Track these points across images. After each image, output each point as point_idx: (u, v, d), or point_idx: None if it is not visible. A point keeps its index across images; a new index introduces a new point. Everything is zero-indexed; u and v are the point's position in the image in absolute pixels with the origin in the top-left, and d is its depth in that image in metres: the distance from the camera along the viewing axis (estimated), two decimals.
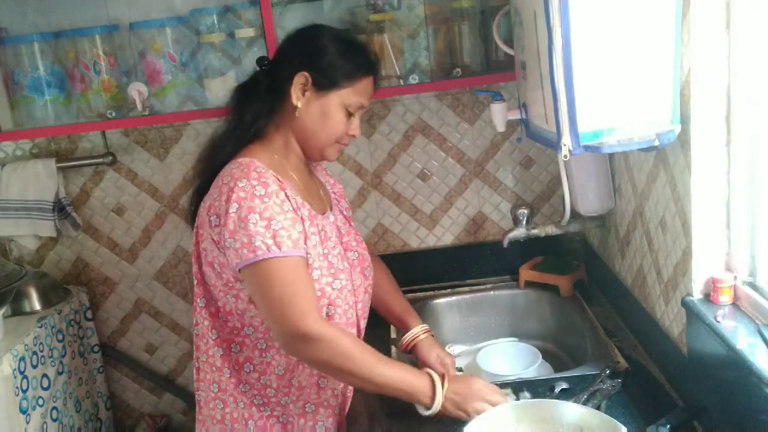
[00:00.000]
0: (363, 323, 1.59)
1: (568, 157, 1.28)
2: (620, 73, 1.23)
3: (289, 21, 2.00)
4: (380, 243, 2.32)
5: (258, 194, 1.35)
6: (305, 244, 1.40)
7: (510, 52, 1.77)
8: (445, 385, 1.40)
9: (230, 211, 1.35)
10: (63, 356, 2.14)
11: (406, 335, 1.70)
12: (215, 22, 2.02)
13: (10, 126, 2.11)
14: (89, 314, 2.34)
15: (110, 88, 2.07)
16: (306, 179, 1.56)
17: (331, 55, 1.45)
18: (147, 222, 2.34)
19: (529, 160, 2.26)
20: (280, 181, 1.41)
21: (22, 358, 1.93)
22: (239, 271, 1.38)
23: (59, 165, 2.21)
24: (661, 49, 1.23)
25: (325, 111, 1.46)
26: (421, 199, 2.30)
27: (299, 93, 1.45)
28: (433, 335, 1.73)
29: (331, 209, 1.59)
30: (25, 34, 2.07)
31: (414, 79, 2.03)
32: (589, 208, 1.88)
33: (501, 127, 1.78)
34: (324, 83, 1.44)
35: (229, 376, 1.49)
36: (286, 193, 1.40)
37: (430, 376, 1.41)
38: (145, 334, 2.44)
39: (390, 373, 1.39)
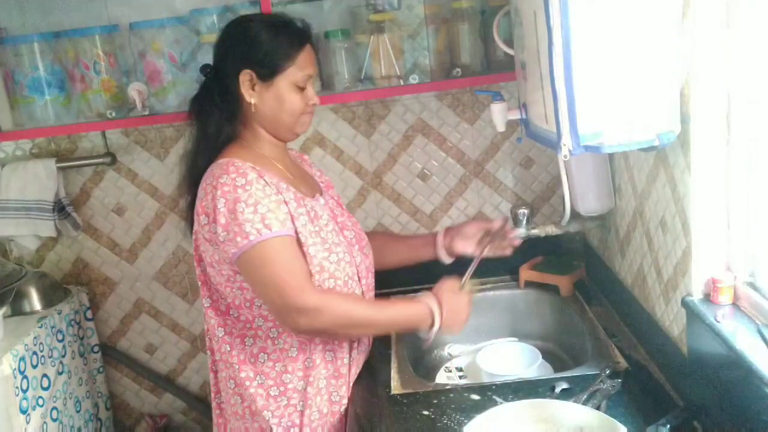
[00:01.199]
0: (370, 297, 1.68)
1: (568, 157, 1.28)
2: (620, 73, 1.23)
3: None
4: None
5: (239, 185, 1.43)
6: (293, 223, 1.47)
7: (510, 52, 1.77)
8: (444, 308, 1.55)
9: (218, 206, 1.43)
10: (63, 356, 2.14)
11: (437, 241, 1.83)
12: (215, 22, 2.02)
13: (10, 126, 2.11)
14: (89, 314, 2.34)
15: (110, 88, 2.07)
16: (290, 166, 1.64)
17: (263, 44, 1.51)
18: (147, 222, 2.34)
19: (529, 160, 2.26)
20: (257, 170, 1.48)
21: (22, 358, 1.93)
22: (235, 261, 1.45)
23: (59, 165, 2.21)
24: (661, 49, 1.23)
25: (279, 96, 1.53)
26: (421, 199, 2.30)
27: (249, 90, 1.52)
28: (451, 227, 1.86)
29: (321, 194, 1.67)
30: (25, 34, 2.07)
31: (414, 79, 2.03)
32: (589, 208, 1.88)
33: (501, 127, 1.78)
34: (267, 73, 1.51)
35: (238, 369, 1.55)
36: (265, 180, 1.47)
37: (428, 305, 1.54)
38: (145, 334, 2.44)
39: (389, 313, 1.56)
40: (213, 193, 1.44)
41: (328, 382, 1.58)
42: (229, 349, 1.56)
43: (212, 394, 1.66)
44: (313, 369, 1.55)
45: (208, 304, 1.57)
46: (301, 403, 1.55)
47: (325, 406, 1.58)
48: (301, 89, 1.54)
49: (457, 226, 1.85)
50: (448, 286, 1.61)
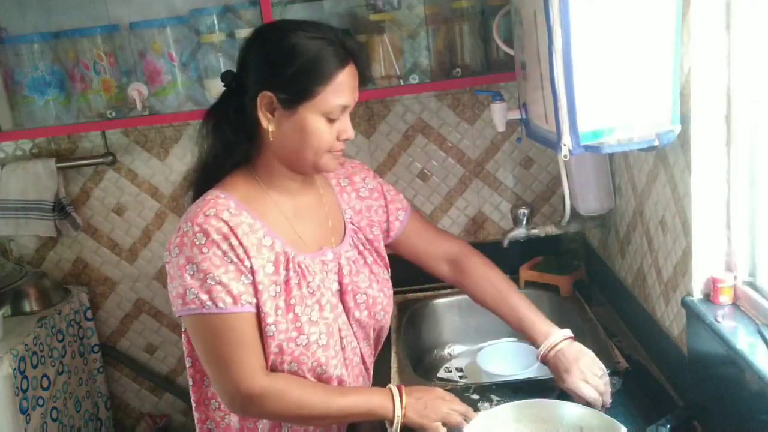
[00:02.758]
0: (353, 372, 1.42)
1: (568, 157, 1.28)
2: (620, 73, 1.23)
3: None
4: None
5: (198, 243, 1.22)
6: (255, 296, 1.25)
7: (510, 52, 1.77)
8: (404, 396, 1.31)
9: (172, 255, 1.25)
10: (63, 356, 2.14)
11: (542, 346, 1.44)
12: (215, 22, 2.02)
13: (10, 126, 2.11)
14: (89, 314, 2.34)
15: (110, 88, 2.07)
16: (303, 206, 1.38)
17: (289, 63, 1.22)
18: (147, 222, 2.34)
19: (529, 160, 2.26)
20: (229, 227, 1.24)
21: (22, 358, 1.93)
22: (178, 317, 1.29)
23: (59, 165, 2.21)
24: (661, 49, 1.23)
25: (302, 127, 1.25)
26: (421, 199, 2.30)
27: (267, 115, 1.26)
28: (575, 341, 1.45)
29: (341, 241, 1.41)
30: (25, 34, 2.07)
31: (414, 79, 2.03)
32: (589, 208, 1.88)
33: (501, 127, 1.78)
34: (290, 99, 1.23)
35: (195, 407, 1.41)
36: (230, 243, 1.23)
37: (389, 389, 1.34)
38: (145, 334, 2.44)
39: (345, 402, 1.31)
40: (174, 237, 1.26)
41: None
42: (191, 382, 1.40)
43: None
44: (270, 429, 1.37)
45: (184, 329, 1.37)
46: None
47: None
48: (332, 120, 1.26)
49: (570, 357, 1.41)
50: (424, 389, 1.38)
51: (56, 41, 2.06)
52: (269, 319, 1.26)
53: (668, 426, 1.31)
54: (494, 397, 1.54)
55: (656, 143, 1.27)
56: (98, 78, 2.05)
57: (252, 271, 1.25)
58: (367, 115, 2.24)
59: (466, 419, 1.34)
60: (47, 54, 2.06)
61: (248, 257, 1.25)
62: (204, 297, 1.22)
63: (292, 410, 1.28)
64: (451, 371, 1.94)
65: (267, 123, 1.26)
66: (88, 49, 2.04)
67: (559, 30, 1.20)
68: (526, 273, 2.14)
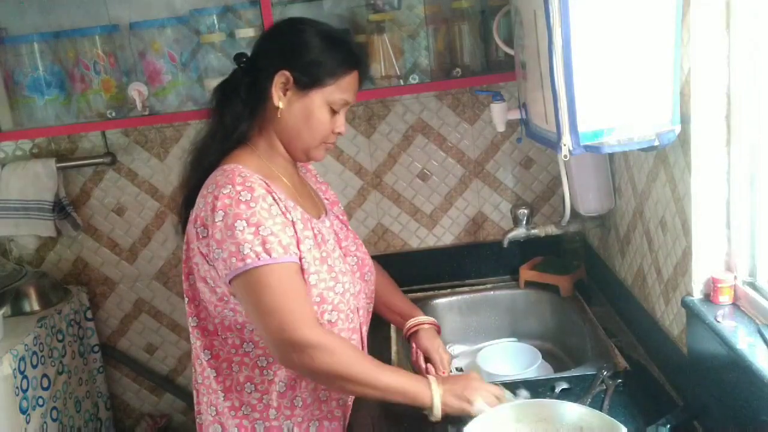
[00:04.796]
0: (365, 330, 1.55)
1: (568, 157, 1.28)
2: (620, 73, 1.23)
3: None
4: (380, 243, 2.32)
5: (243, 200, 1.29)
6: (298, 248, 1.34)
7: (510, 52, 1.77)
8: (440, 383, 1.38)
9: (216, 220, 1.29)
10: (63, 356, 2.14)
11: (410, 321, 1.68)
12: (215, 22, 2.02)
13: (10, 126, 2.11)
14: (89, 314, 2.34)
15: (110, 88, 2.07)
16: (297, 182, 1.51)
17: (312, 51, 1.39)
18: (147, 222, 2.34)
19: (529, 160, 2.26)
20: (267, 184, 1.35)
21: (22, 358, 1.93)
22: (230, 282, 1.32)
23: (59, 165, 2.21)
24: (661, 49, 1.23)
25: (309, 110, 1.40)
26: (421, 199, 2.30)
27: (280, 93, 1.39)
28: (438, 331, 1.72)
29: (326, 214, 1.54)
30: (25, 34, 2.07)
31: (414, 79, 2.03)
32: (589, 208, 1.88)
33: (501, 127, 1.78)
34: (306, 82, 1.38)
35: (224, 398, 1.42)
36: (273, 197, 1.34)
37: (427, 378, 1.39)
38: (145, 334, 2.44)
39: (389, 379, 1.36)
40: (213, 203, 1.30)
41: (320, 424, 1.44)
42: (214, 374, 1.43)
43: (195, 413, 1.54)
44: (304, 408, 1.42)
45: (195, 324, 1.43)
46: None
47: None
48: (334, 112, 1.42)
49: (425, 341, 1.67)
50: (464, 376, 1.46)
51: (56, 41, 2.06)
52: (311, 269, 1.36)
53: (668, 426, 1.31)
54: None
55: (656, 143, 1.27)
56: (98, 78, 2.05)
57: (293, 224, 1.36)
58: (367, 115, 2.24)
59: (500, 400, 1.39)
60: (47, 54, 2.06)
61: (288, 211, 1.36)
62: (259, 249, 1.28)
63: (340, 369, 1.31)
64: (451, 371, 1.93)
65: (278, 100, 1.39)
66: (88, 49, 2.04)
67: (559, 30, 1.20)
68: (526, 273, 2.14)
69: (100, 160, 2.24)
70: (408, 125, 2.24)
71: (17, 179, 2.20)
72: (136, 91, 2.02)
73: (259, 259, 1.28)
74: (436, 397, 1.35)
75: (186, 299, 1.44)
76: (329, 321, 1.39)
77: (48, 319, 2.11)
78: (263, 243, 1.28)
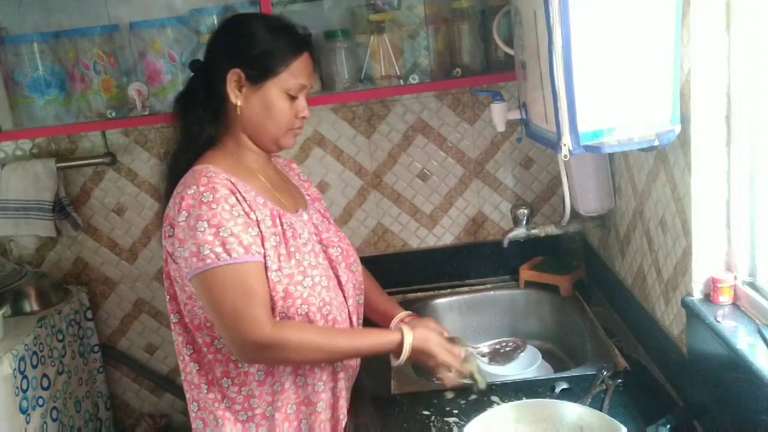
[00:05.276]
0: (355, 319, 1.55)
1: (568, 157, 1.28)
2: (620, 73, 1.23)
3: None
4: (380, 243, 2.32)
5: (206, 201, 1.32)
6: (263, 246, 1.36)
7: (510, 52, 1.77)
8: (410, 334, 1.44)
9: (180, 220, 1.32)
10: (63, 356, 2.14)
11: (395, 319, 1.67)
12: (215, 22, 2.02)
13: (10, 126, 2.11)
14: (89, 314, 2.34)
15: (110, 88, 2.07)
16: (273, 177, 1.53)
17: (258, 44, 1.41)
18: (147, 222, 2.33)
19: (529, 160, 2.26)
20: (232, 183, 1.36)
21: (22, 358, 1.93)
22: (190, 280, 1.34)
23: (59, 165, 2.21)
24: (661, 49, 1.23)
25: (267, 102, 1.42)
26: (421, 199, 2.30)
27: (236, 91, 1.42)
28: (418, 317, 1.70)
29: (305, 208, 1.55)
30: (25, 34, 2.07)
31: (414, 79, 2.03)
32: (589, 208, 1.88)
33: (501, 127, 1.78)
34: (257, 75, 1.40)
35: (207, 392, 1.45)
36: (237, 197, 1.35)
37: (400, 330, 1.45)
38: (145, 334, 2.44)
39: (360, 342, 1.43)
40: (179, 203, 1.33)
41: (298, 409, 1.45)
42: (197, 368, 1.46)
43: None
44: (282, 394, 1.43)
45: (176, 320, 1.47)
46: (270, 429, 1.43)
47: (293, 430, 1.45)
48: (293, 98, 1.44)
49: (414, 323, 1.64)
50: (432, 327, 1.52)
51: (56, 41, 2.06)
52: (274, 266, 1.36)
53: (668, 426, 1.31)
54: (494, 397, 1.54)
55: (656, 143, 1.27)
56: (98, 78, 2.05)
57: (257, 223, 1.36)
58: (367, 115, 2.24)
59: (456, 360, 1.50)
60: (47, 54, 2.06)
61: (252, 210, 1.36)
62: (219, 249, 1.30)
63: (308, 355, 1.37)
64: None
65: (235, 98, 1.42)
66: (88, 49, 2.04)
67: (559, 30, 1.20)
68: (526, 273, 2.14)
69: (100, 160, 2.24)
70: (408, 125, 2.24)
71: (17, 179, 2.20)
72: (136, 91, 2.02)
73: (218, 259, 1.30)
74: (405, 350, 1.43)
75: (167, 297, 1.47)
76: (302, 314, 1.39)
77: (48, 319, 2.11)
78: (223, 243, 1.30)
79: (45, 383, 2.02)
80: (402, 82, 2.04)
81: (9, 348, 1.91)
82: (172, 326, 1.49)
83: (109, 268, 2.38)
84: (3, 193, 2.21)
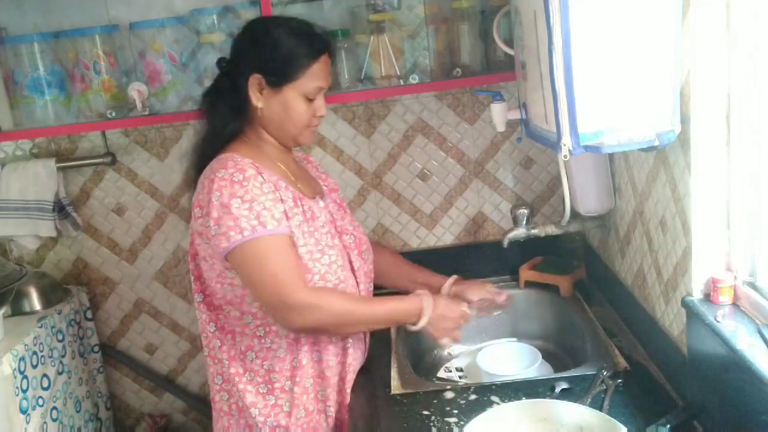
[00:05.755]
0: None
1: (568, 157, 1.28)
2: (620, 73, 1.23)
3: None
4: (380, 243, 2.32)
5: (236, 180, 1.43)
6: (288, 222, 1.47)
7: (510, 52, 1.77)
8: (431, 305, 1.56)
9: (213, 199, 1.43)
10: (63, 356, 2.14)
11: (443, 286, 1.81)
12: (215, 22, 2.02)
13: (10, 126, 2.11)
14: (89, 314, 2.34)
15: (110, 88, 2.07)
16: (292, 166, 1.63)
17: (278, 51, 1.51)
18: (147, 222, 2.34)
19: (529, 160, 2.26)
20: (257, 166, 1.48)
21: (22, 358, 1.93)
22: (226, 256, 1.45)
23: (59, 165, 2.21)
24: (661, 49, 1.23)
25: (286, 105, 1.53)
26: (421, 199, 2.30)
27: (257, 94, 1.53)
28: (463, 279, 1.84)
29: (322, 197, 1.66)
30: (25, 34, 2.07)
31: (414, 79, 2.03)
32: (589, 208, 1.88)
33: (501, 127, 1.78)
34: (277, 81, 1.51)
35: (228, 366, 1.56)
36: (263, 177, 1.47)
37: (421, 300, 1.57)
38: (145, 334, 2.44)
39: (384, 309, 1.56)
40: (209, 186, 1.44)
41: (315, 382, 1.58)
42: (219, 344, 1.57)
43: (210, 390, 1.67)
44: (300, 369, 1.55)
45: (201, 299, 1.58)
46: (287, 404, 1.56)
47: (311, 405, 1.58)
48: (310, 100, 1.54)
49: (467, 283, 1.84)
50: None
51: (56, 41, 2.06)
52: (300, 242, 1.49)
53: (668, 426, 1.31)
54: (494, 397, 1.54)
55: (656, 143, 1.27)
56: (98, 78, 2.05)
57: (282, 201, 1.48)
58: (367, 115, 2.24)
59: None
60: (47, 54, 2.06)
61: (277, 190, 1.49)
62: (254, 222, 1.42)
63: (335, 319, 1.49)
64: (451, 371, 1.94)
65: (257, 101, 1.53)
66: (88, 49, 2.04)
67: (559, 30, 1.20)
68: (526, 273, 2.14)
69: (100, 160, 2.24)
70: (408, 125, 2.25)
71: (17, 179, 2.20)
72: (136, 91, 2.02)
73: (255, 231, 1.42)
74: (425, 315, 1.56)
75: (192, 277, 1.58)
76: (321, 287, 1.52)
77: (48, 319, 2.11)
78: (258, 216, 1.42)
79: (45, 383, 2.02)
80: (402, 82, 2.04)
81: (9, 348, 1.90)
82: (196, 305, 1.59)
83: (109, 268, 2.38)
84: (3, 193, 2.21)
